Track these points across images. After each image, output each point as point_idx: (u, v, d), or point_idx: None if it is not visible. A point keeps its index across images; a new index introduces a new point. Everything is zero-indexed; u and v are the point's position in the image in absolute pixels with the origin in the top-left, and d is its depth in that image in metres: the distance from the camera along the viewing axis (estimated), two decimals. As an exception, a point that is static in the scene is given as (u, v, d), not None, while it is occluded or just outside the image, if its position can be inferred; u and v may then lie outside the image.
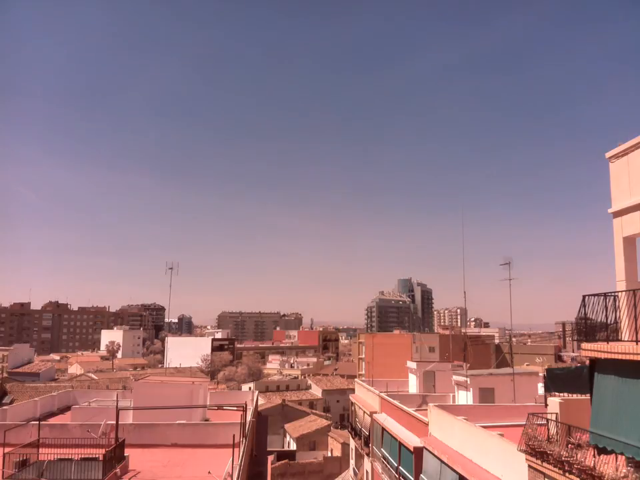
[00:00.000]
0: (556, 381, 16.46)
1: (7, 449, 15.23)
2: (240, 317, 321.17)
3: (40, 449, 16.17)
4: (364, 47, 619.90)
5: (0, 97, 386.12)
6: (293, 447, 59.20)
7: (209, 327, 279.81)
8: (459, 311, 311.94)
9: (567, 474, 11.81)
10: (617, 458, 10.82)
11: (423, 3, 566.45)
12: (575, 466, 11.54)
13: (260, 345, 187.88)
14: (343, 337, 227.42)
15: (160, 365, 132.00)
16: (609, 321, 11.02)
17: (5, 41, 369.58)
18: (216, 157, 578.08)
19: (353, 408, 37.78)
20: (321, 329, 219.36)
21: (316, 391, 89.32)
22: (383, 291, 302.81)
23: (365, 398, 34.91)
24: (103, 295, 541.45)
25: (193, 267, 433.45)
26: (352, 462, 38.24)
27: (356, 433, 34.92)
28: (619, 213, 12.21)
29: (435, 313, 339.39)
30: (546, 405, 16.09)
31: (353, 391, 43.17)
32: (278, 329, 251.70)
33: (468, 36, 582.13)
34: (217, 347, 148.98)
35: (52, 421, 24.48)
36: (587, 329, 11.62)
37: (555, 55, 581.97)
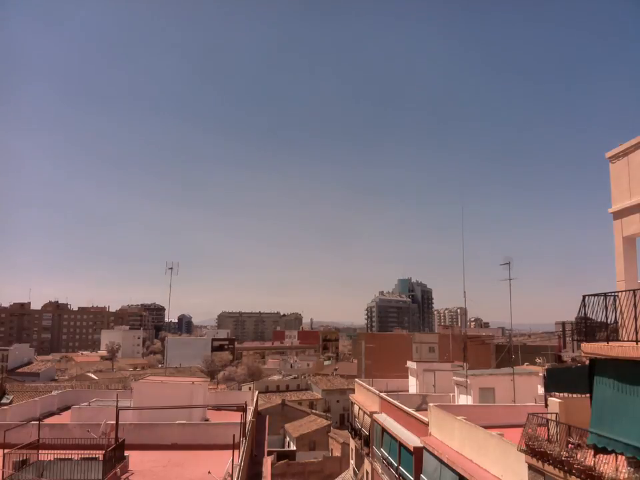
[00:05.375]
0: (556, 381, 16.43)
1: (7, 449, 15.20)
2: (240, 316, 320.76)
3: (40, 449, 16.12)
4: (362, 44, 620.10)
5: (0, 97, 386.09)
6: (293, 447, 59.16)
7: (208, 327, 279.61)
8: (459, 311, 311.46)
9: (567, 474, 11.81)
10: (617, 458, 10.81)
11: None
12: (575, 466, 11.54)
13: (260, 345, 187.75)
14: (343, 337, 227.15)
15: (160, 365, 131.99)
16: (608, 321, 11.01)
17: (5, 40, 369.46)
18: (215, 157, 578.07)
19: (352, 408, 37.75)
20: (321, 329, 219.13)
21: (316, 391, 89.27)
22: (382, 291, 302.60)
23: (365, 398, 34.89)
24: (103, 295, 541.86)
25: (193, 267, 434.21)
26: (352, 462, 38.23)
27: (356, 433, 34.90)
28: (619, 213, 12.20)
29: (435, 312, 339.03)
30: (546, 405, 16.08)
31: (352, 391, 43.12)
32: (278, 328, 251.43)
33: (466, 36, 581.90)
34: (217, 347, 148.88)
35: (52, 420, 24.45)
36: (586, 329, 11.62)
37: (556, 55, 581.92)
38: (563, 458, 12.00)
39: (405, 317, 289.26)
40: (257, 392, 33.74)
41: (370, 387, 34.66)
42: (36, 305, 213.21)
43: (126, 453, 17.32)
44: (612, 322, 10.99)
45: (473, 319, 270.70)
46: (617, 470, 10.78)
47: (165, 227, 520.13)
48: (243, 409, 20.61)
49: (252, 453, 23.59)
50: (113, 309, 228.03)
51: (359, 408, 34.48)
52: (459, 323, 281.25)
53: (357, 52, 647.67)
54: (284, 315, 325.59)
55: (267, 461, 23.24)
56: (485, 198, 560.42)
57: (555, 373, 17.52)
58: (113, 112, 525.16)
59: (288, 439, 63.20)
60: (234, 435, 16.66)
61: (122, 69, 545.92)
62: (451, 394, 31.62)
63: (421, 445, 21.42)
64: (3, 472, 14.68)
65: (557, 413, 14.41)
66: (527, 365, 36.67)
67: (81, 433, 19.00)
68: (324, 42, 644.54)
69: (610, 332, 11.02)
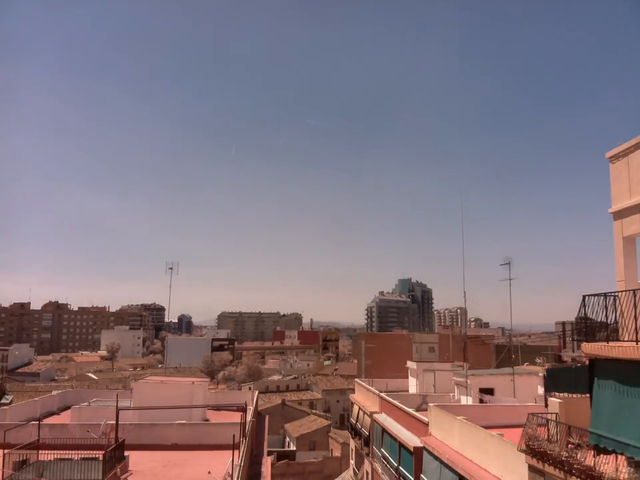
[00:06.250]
0: (556, 381, 16.44)
1: (7, 449, 15.19)
2: (240, 317, 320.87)
3: (40, 449, 16.11)
4: (361, 44, 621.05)
5: (0, 97, 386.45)
6: (293, 447, 59.18)
7: (208, 327, 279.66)
8: (459, 311, 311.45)
9: (567, 474, 11.81)
10: (616, 458, 10.82)
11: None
12: (575, 466, 11.54)
13: (260, 345, 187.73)
14: (343, 337, 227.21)
15: (160, 365, 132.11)
16: (608, 321, 11.01)
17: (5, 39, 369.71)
18: (215, 157, 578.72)
19: (352, 408, 37.76)
20: (321, 329, 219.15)
21: (316, 391, 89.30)
22: (382, 291, 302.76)
23: (365, 398, 34.90)
24: (103, 295, 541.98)
25: (193, 267, 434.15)
26: (352, 462, 38.23)
27: (356, 433, 34.91)
28: (619, 213, 12.21)
29: (435, 312, 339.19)
30: (546, 405, 16.09)
31: (352, 390, 43.14)
32: (278, 328, 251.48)
33: (467, 38, 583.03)
34: (217, 347, 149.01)
35: (52, 420, 24.45)
36: (586, 329, 11.62)
37: (556, 55, 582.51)
38: (563, 458, 12.00)
39: (405, 317, 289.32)
40: (256, 392, 33.72)
41: (370, 387, 34.67)
42: (36, 305, 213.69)
43: (126, 453, 17.31)
44: (612, 322, 10.99)
45: (472, 319, 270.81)
46: (617, 470, 10.78)
47: (165, 227, 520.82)
48: (243, 409, 20.62)
49: (252, 453, 23.59)
50: (113, 309, 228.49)
51: (359, 408, 34.48)
52: (459, 323, 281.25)
53: (358, 53, 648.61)
54: (284, 315, 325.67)
55: (267, 461, 23.25)
56: (484, 198, 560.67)
57: (554, 373, 17.51)
58: (113, 112, 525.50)
59: (288, 439, 63.21)
60: (234, 435, 16.67)
61: (122, 68, 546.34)
62: (451, 394, 31.64)
63: (421, 445, 21.43)
64: (3, 472, 14.68)
65: (557, 413, 14.41)
66: (527, 365, 36.68)
67: (81, 433, 18.99)
68: (324, 43, 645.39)
69: (610, 332, 11.03)
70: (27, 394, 57.58)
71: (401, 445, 23.96)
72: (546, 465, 12.66)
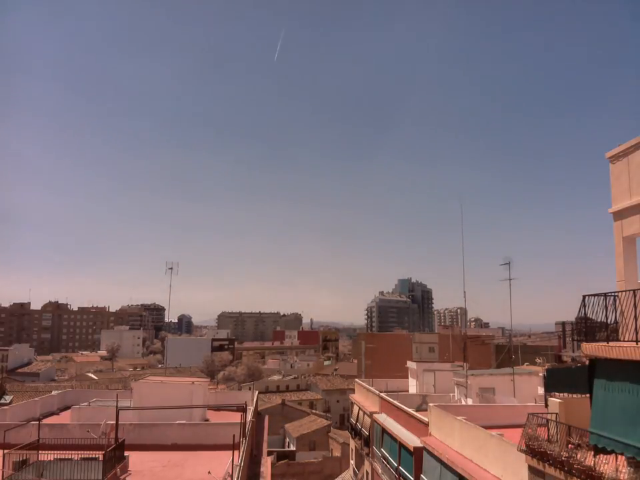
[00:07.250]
0: (556, 381, 16.42)
1: (7, 449, 15.18)
2: (240, 316, 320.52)
3: (40, 449, 16.08)
4: (359, 44, 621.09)
5: (1, 100, 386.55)
6: (293, 447, 59.14)
7: (208, 327, 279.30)
8: (459, 310, 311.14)
9: (567, 474, 11.81)
10: (616, 458, 10.81)
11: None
12: (575, 466, 11.53)
13: (260, 345, 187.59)
14: (343, 337, 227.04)
15: (160, 365, 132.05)
16: (608, 321, 11.01)
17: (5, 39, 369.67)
18: (216, 156, 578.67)
19: (352, 408, 37.74)
20: (321, 329, 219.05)
21: (316, 391, 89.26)
22: (382, 291, 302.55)
23: (365, 398, 34.89)
24: (103, 295, 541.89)
25: (193, 267, 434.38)
26: (352, 462, 38.22)
27: (356, 433, 34.89)
28: (619, 213, 12.20)
29: (435, 312, 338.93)
30: (546, 405, 16.08)
31: (352, 391, 43.12)
32: (278, 328, 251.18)
33: (465, 35, 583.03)
34: (217, 347, 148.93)
35: (52, 420, 24.45)
36: (586, 329, 11.61)
37: (556, 55, 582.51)
38: (563, 458, 11.99)
39: (404, 317, 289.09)
40: (256, 392, 33.70)
41: (370, 387, 34.65)
42: (36, 305, 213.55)
43: (126, 453, 17.29)
44: (612, 322, 10.98)
45: (473, 319, 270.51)
46: (617, 470, 10.78)
47: (165, 227, 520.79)
48: (242, 409, 20.62)
49: (252, 453, 23.59)
50: (113, 309, 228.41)
51: (359, 408, 34.47)
52: (459, 323, 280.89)
53: (359, 53, 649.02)
54: (284, 315, 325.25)
55: (267, 461, 23.25)
56: (484, 198, 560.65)
57: (555, 373, 17.49)
58: (113, 111, 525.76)
59: (288, 439, 63.18)
60: (234, 435, 16.67)
61: (121, 68, 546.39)
62: (451, 394, 31.62)
63: (421, 445, 21.41)
64: (3, 472, 14.66)
65: (556, 413, 14.40)
66: (527, 365, 36.64)
67: (80, 433, 18.97)
68: (324, 45, 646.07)
69: (610, 332, 11.02)
70: (27, 394, 57.59)
71: (401, 445, 23.95)
72: (546, 465, 12.66)
